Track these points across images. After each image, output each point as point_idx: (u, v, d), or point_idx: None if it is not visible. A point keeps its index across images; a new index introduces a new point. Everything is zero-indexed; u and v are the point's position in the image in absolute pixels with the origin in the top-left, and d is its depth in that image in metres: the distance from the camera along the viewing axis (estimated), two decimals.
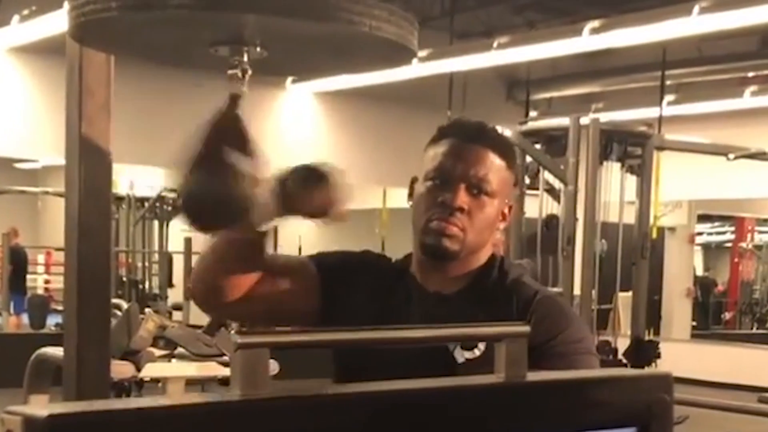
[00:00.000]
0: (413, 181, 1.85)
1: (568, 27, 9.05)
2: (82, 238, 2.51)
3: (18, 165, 15.66)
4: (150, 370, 5.61)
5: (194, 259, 2.60)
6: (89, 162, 2.51)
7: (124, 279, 12.44)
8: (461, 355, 1.72)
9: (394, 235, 12.36)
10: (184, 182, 1.64)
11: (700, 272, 17.24)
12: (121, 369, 5.35)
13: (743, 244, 16.96)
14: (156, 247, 12.99)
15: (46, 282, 15.89)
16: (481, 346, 1.70)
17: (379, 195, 13.82)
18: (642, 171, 7.07)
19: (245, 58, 1.65)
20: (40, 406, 0.78)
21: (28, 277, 14.67)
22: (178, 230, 12.26)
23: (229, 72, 1.66)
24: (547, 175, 7.10)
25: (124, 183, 12.41)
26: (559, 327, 1.74)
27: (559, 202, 6.97)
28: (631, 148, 7.06)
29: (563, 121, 7.07)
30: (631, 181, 7.15)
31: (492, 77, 11.65)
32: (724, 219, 17.34)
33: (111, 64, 2.50)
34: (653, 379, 1.09)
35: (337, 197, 1.64)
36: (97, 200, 2.54)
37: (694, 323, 14.79)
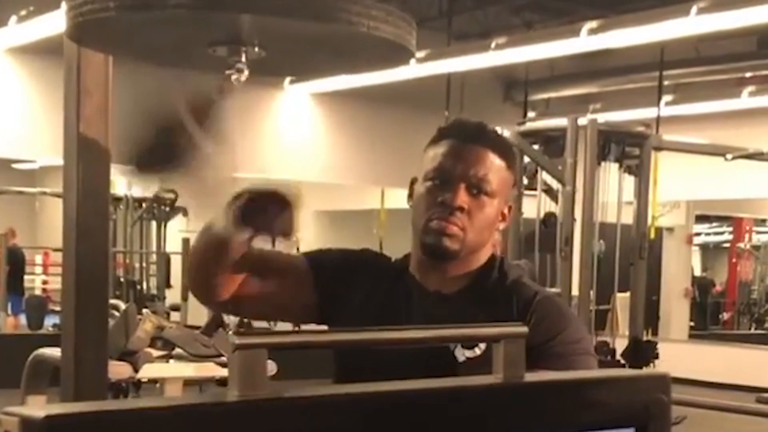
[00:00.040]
0: (413, 181, 1.85)
1: (565, 27, 9.06)
2: (80, 238, 2.50)
3: (15, 165, 15.65)
4: (148, 371, 5.60)
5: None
6: (87, 162, 2.51)
7: (122, 280, 12.41)
8: (462, 354, 1.72)
9: (392, 235, 12.36)
10: (142, 135, 1.67)
11: (698, 273, 17.25)
12: (118, 370, 5.34)
13: (741, 245, 16.97)
14: (154, 248, 12.98)
15: (44, 283, 15.88)
16: (482, 345, 1.71)
17: (377, 195, 13.83)
18: (640, 171, 7.07)
19: (243, 59, 1.65)
20: (38, 407, 0.78)
21: (26, 277, 14.66)
22: (176, 231, 12.26)
23: (227, 72, 1.66)
24: (545, 176, 7.10)
25: (121, 183, 12.39)
26: (558, 328, 1.75)
27: (557, 202, 6.97)
28: (629, 148, 7.06)
29: (561, 121, 7.07)
30: (629, 181, 7.15)
31: (490, 78, 11.65)
32: (722, 219, 17.35)
33: (109, 64, 2.50)
34: (651, 380, 1.09)
35: (295, 222, 1.63)
36: (95, 201, 2.54)
37: (692, 324, 14.79)
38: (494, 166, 1.80)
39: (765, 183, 10.52)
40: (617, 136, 7.06)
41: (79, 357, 2.53)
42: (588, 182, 6.77)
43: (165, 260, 12.58)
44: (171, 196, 12.71)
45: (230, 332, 1.44)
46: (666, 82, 10.14)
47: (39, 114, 9.38)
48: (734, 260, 17.11)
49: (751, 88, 10.68)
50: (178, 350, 5.73)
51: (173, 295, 12.03)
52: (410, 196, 1.86)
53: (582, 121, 6.92)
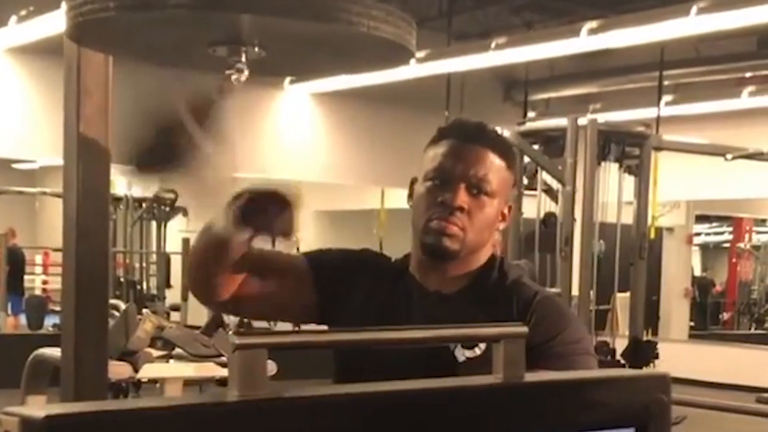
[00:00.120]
0: (413, 181, 1.85)
1: (565, 27, 9.06)
2: (80, 238, 2.50)
3: (16, 165, 15.65)
4: (147, 371, 5.61)
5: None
6: (87, 163, 2.51)
7: (122, 280, 12.42)
8: (462, 354, 1.72)
9: (392, 235, 12.36)
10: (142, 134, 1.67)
11: (698, 273, 17.25)
12: (118, 370, 5.34)
13: (741, 245, 16.97)
14: (154, 248, 12.98)
15: (44, 283, 15.88)
16: (482, 345, 1.71)
17: (376, 195, 13.82)
18: (640, 171, 7.07)
19: (243, 59, 1.65)
20: (38, 407, 0.78)
21: (26, 277, 14.65)
22: (176, 231, 12.26)
23: (227, 72, 1.66)
24: (545, 176, 7.10)
25: (121, 183, 12.40)
26: (558, 328, 1.75)
27: (557, 202, 6.97)
28: (629, 148, 7.06)
29: (561, 121, 7.07)
30: (629, 181, 7.15)
31: (490, 78, 11.65)
32: (722, 219, 17.35)
33: (109, 64, 2.50)
34: (651, 380, 1.09)
35: (295, 223, 1.62)
36: (95, 201, 2.54)
37: (692, 323, 14.79)
38: (494, 166, 1.80)
39: (765, 183, 10.52)
40: (617, 136, 7.06)
41: (79, 357, 2.53)
42: (588, 182, 6.77)
43: (165, 260, 12.58)
44: (171, 196, 12.71)
45: (230, 332, 1.44)
46: (666, 82, 10.14)
47: (39, 114, 9.38)
48: (734, 260, 17.11)
49: (751, 88, 10.68)
50: (178, 350, 5.73)
51: (173, 295, 12.03)
52: (410, 196, 1.86)
53: (582, 121, 6.92)
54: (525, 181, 7.06)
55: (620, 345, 7.01)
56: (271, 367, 1.06)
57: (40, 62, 9.14)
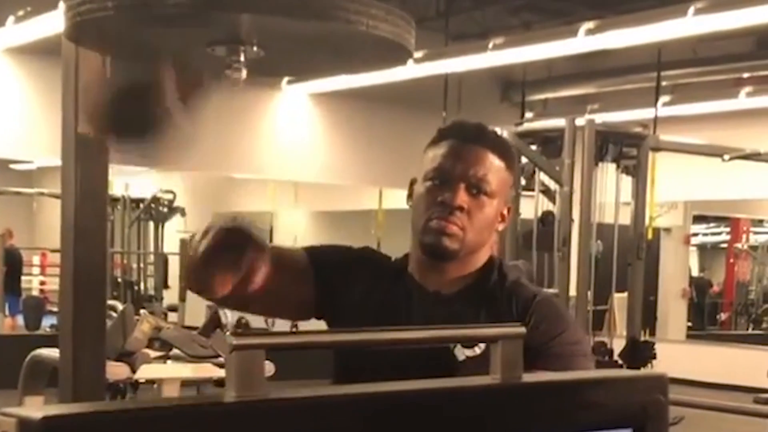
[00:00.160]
0: (412, 182, 1.86)
1: (563, 28, 9.06)
2: (78, 239, 2.50)
3: (13, 166, 15.64)
4: (145, 372, 5.61)
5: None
6: (85, 163, 2.51)
7: (120, 280, 12.42)
8: (462, 354, 1.73)
9: (390, 236, 12.36)
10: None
11: (695, 273, 17.25)
12: (116, 370, 5.34)
13: (738, 245, 16.98)
14: (151, 249, 12.98)
15: (42, 283, 15.87)
16: (482, 344, 1.70)
17: (374, 196, 13.82)
18: (637, 172, 7.08)
19: (242, 58, 1.65)
20: (35, 408, 0.78)
21: (24, 278, 14.64)
22: (174, 231, 12.26)
23: (226, 72, 1.66)
24: (542, 176, 7.10)
25: (119, 184, 12.40)
26: (557, 329, 1.75)
27: (554, 203, 6.97)
28: (626, 149, 7.07)
29: (559, 122, 7.07)
30: (627, 182, 7.15)
31: (487, 78, 11.65)
32: (719, 220, 17.35)
33: (107, 64, 2.50)
34: (649, 380, 1.09)
35: (258, 263, 1.59)
36: (93, 201, 2.54)
37: (690, 324, 14.80)
38: (494, 167, 1.80)
39: (762, 183, 10.53)
40: (615, 136, 7.06)
41: (77, 358, 2.53)
42: (585, 183, 6.77)
43: (162, 261, 12.57)
44: (169, 197, 12.73)
45: (228, 333, 1.43)
46: (663, 83, 10.14)
47: (37, 114, 9.37)
48: (732, 261, 17.12)
49: (748, 89, 10.68)
50: (175, 351, 5.73)
51: (171, 296, 12.03)
52: (410, 196, 1.86)
53: (579, 121, 6.92)
54: (523, 181, 7.07)
55: (618, 345, 7.01)
56: (269, 367, 1.06)
57: (37, 62, 9.14)
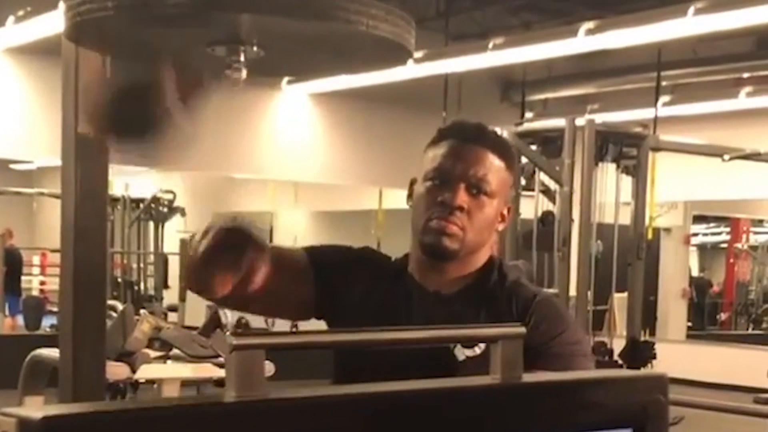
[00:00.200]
0: (412, 182, 1.86)
1: (563, 28, 9.06)
2: (78, 239, 2.50)
3: (13, 166, 15.64)
4: (145, 372, 5.61)
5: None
6: (85, 163, 2.51)
7: (120, 280, 12.42)
8: (462, 353, 1.73)
9: (390, 236, 12.36)
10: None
11: (695, 273, 17.26)
12: (116, 370, 5.34)
13: (738, 245, 16.98)
14: (151, 249, 12.98)
15: (42, 283, 15.87)
16: (482, 344, 1.70)
17: (374, 196, 13.83)
18: (637, 172, 7.08)
19: (242, 58, 1.65)
20: (35, 408, 0.78)
21: (24, 278, 14.64)
22: (173, 231, 12.26)
23: (226, 72, 1.66)
24: (542, 176, 7.10)
25: (119, 184, 12.40)
26: (557, 329, 1.75)
27: (554, 203, 6.97)
28: (626, 149, 7.06)
29: (559, 122, 7.07)
30: (627, 182, 7.15)
31: (487, 78, 11.65)
32: (719, 220, 17.35)
33: (107, 64, 2.50)
34: (649, 380, 1.09)
35: (258, 263, 1.58)
36: (93, 201, 2.54)
37: (690, 324, 14.80)
38: (494, 167, 1.80)
39: (762, 183, 10.53)
40: (615, 136, 7.06)
41: (77, 358, 2.53)
42: (585, 183, 6.77)
43: (162, 261, 12.57)
44: (169, 197, 12.73)
45: (228, 333, 1.43)
46: (663, 83, 10.14)
47: (37, 114, 9.38)
48: (732, 261, 17.12)
49: (748, 89, 10.68)
50: (175, 351, 5.73)
51: (171, 296, 12.03)
52: (410, 196, 1.86)
53: (579, 121, 6.92)
54: (523, 181, 7.07)
55: (618, 345, 7.01)
56: (269, 367, 1.06)
57: (38, 62, 9.14)
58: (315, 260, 1.87)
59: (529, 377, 1.04)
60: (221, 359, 5.54)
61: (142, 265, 13.04)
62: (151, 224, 12.93)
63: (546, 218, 6.91)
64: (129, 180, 12.60)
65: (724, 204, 14.33)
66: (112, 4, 1.53)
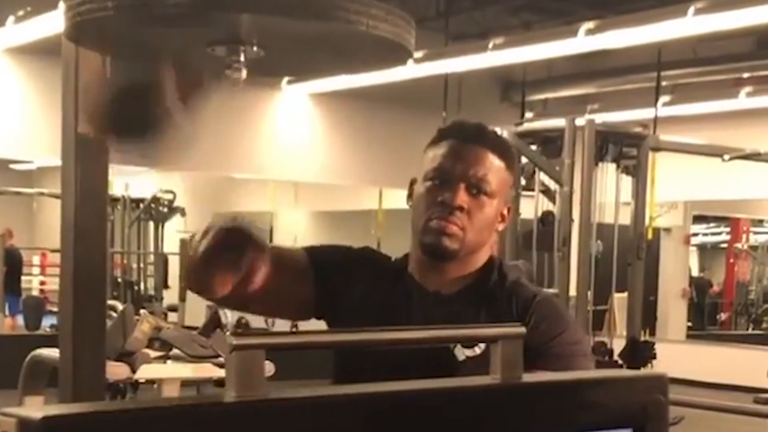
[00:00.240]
0: (412, 182, 1.86)
1: (563, 28, 9.06)
2: (78, 239, 2.50)
3: (13, 166, 15.64)
4: (145, 372, 5.60)
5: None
6: (85, 163, 2.51)
7: (120, 280, 12.42)
8: (462, 353, 1.72)
9: (389, 236, 12.36)
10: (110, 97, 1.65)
11: (695, 273, 17.26)
12: (116, 370, 5.34)
13: (738, 245, 16.98)
14: (151, 249, 12.98)
15: (42, 283, 15.87)
16: (482, 344, 1.70)
17: (374, 196, 13.83)
18: (637, 172, 7.08)
19: (242, 58, 1.65)
20: (35, 408, 0.78)
21: (24, 278, 14.64)
22: (173, 231, 12.26)
23: (226, 72, 1.66)
24: (542, 176, 7.10)
25: (119, 184, 12.41)
26: (557, 329, 1.75)
27: (554, 203, 6.97)
28: (626, 149, 7.06)
29: (559, 122, 7.07)
30: (627, 182, 7.15)
31: (487, 78, 11.65)
32: (719, 220, 17.35)
33: (107, 64, 2.50)
34: (649, 380, 1.09)
35: (258, 263, 1.58)
36: (93, 201, 2.54)
37: (690, 324, 14.80)
38: (494, 167, 1.80)
39: (762, 183, 10.53)
40: (615, 136, 7.06)
41: (77, 358, 2.53)
42: (585, 183, 6.77)
43: (162, 261, 12.58)
44: (169, 197, 12.73)
45: (228, 333, 1.42)
46: (663, 83, 10.14)
47: (37, 114, 9.38)
48: (732, 261, 17.12)
49: (748, 89, 10.68)
50: (175, 351, 5.73)
51: (171, 296, 12.03)
52: (410, 196, 1.86)
53: (579, 121, 6.92)
54: (523, 181, 7.07)
55: (618, 345, 7.01)
56: (269, 367, 1.06)
57: (38, 62, 9.14)
58: (315, 260, 1.87)
59: (528, 377, 1.04)
60: (221, 359, 5.54)
61: (142, 265, 13.04)
62: (151, 224, 12.93)
63: (546, 218, 6.91)
64: (129, 180, 12.61)
65: (724, 204, 14.33)
66: (112, 4, 1.53)
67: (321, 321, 1.90)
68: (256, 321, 5.24)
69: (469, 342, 1.69)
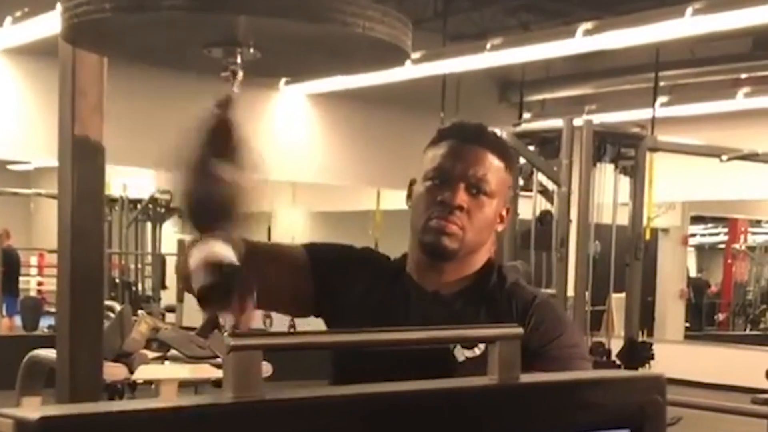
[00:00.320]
0: (412, 182, 1.86)
1: (561, 28, 9.06)
2: (75, 240, 2.50)
3: (10, 167, 15.64)
4: (143, 372, 5.59)
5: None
6: (82, 163, 2.51)
7: (117, 281, 12.42)
8: (462, 354, 1.72)
9: (387, 236, 12.36)
10: (181, 185, 1.63)
11: (693, 273, 17.29)
12: (113, 371, 5.33)
13: (736, 246, 17.00)
14: (149, 249, 12.97)
15: (39, 284, 15.86)
16: (482, 345, 1.70)
17: (372, 197, 13.83)
18: (635, 172, 7.08)
19: (239, 60, 1.65)
20: (32, 409, 0.78)
21: (21, 279, 14.64)
22: (171, 232, 12.25)
23: (222, 74, 1.65)
24: (540, 177, 7.10)
25: (116, 184, 12.40)
26: (556, 332, 1.76)
27: (552, 203, 6.97)
28: (624, 149, 7.07)
29: (557, 122, 7.08)
30: (625, 182, 7.16)
31: (485, 79, 11.65)
32: (717, 220, 17.38)
33: (104, 65, 2.50)
34: (646, 381, 1.09)
35: (246, 300, 1.54)
36: (90, 202, 2.54)
37: (688, 324, 14.83)
38: (493, 167, 1.80)
39: (760, 184, 10.54)
40: (613, 137, 7.07)
41: (75, 358, 2.53)
42: (583, 183, 6.77)
43: (160, 261, 12.57)
44: (167, 197, 12.71)
45: (225, 334, 1.42)
46: (661, 83, 10.15)
47: (34, 115, 9.37)
48: (729, 261, 17.14)
49: (746, 89, 10.69)
50: (173, 352, 5.72)
51: (168, 297, 12.02)
52: (409, 196, 1.86)
53: (577, 122, 6.93)
54: (521, 182, 7.07)
55: (616, 346, 7.01)
56: (267, 368, 1.06)
57: (35, 63, 9.14)
58: (313, 257, 1.88)
59: (526, 378, 1.04)
60: (219, 360, 5.55)
61: (139, 265, 13.03)
62: (149, 225, 12.93)
63: (544, 218, 6.92)
64: (127, 180, 12.60)
65: (721, 204, 14.35)
66: (109, 5, 1.53)
67: (319, 320, 1.91)
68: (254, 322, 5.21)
69: (469, 343, 1.69)
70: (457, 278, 1.83)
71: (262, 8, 1.53)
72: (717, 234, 17.97)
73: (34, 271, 16.12)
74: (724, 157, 7.83)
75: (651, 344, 7.11)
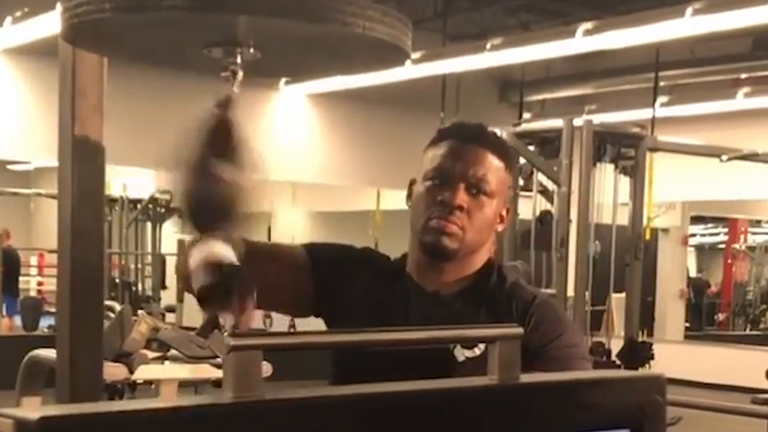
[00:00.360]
0: (412, 182, 1.86)
1: (561, 28, 9.06)
2: (75, 240, 2.50)
3: (10, 167, 15.64)
4: (143, 372, 5.59)
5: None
6: (82, 164, 2.50)
7: (117, 281, 12.42)
8: (462, 354, 1.72)
9: (387, 236, 12.36)
10: (181, 185, 1.63)
11: (693, 273, 17.29)
12: (113, 371, 5.33)
13: (736, 246, 17.00)
14: (149, 249, 12.97)
15: (39, 284, 15.87)
16: (482, 345, 1.70)
17: (372, 197, 13.83)
18: (635, 172, 7.08)
19: (239, 60, 1.65)
20: (32, 409, 0.78)
21: (21, 279, 14.64)
22: (171, 232, 12.25)
23: (222, 74, 1.65)
24: (540, 177, 7.10)
25: (116, 184, 12.40)
26: (556, 332, 1.76)
27: (552, 203, 6.97)
28: (624, 149, 7.07)
29: (557, 122, 7.08)
30: (625, 182, 7.16)
31: (485, 79, 11.65)
32: (717, 220, 17.38)
33: (104, 65, 2.50)
34: (646, 381, 1.09)
35: (246, 300, 1.55)
36: (90, 202, 2.54)
37: (688, 324, 14.83)
38: (493, 167, 1.81)
39: (760, 184, 10.54)
40: (613, 137, 7.07)
41: (75, 358, 2.53)
42: (583, 183, 6.77)
43: (160, 261, 12.57)
44: (167, 197, 12.71)
45: (225, 334, 1.42)
46: (661, 83, 10.15)
47: (34, 115, 9.37)
48: (729, 261, 17.14)
49: (746, 89, 10.69)
50: (173, 352, 5.72)
51: (168, 297, 12.02)
52: (409, 196, 1.86)
53: (577, 122, 6.93)
54: (521, 182, 7.07)
55: (616, 346, 7.01)
56: (267, 368, 1.06)
57: (35, 63, 9.14)
58: (313, 257, 1.88)
59: (526, 378, 1.04)
60: (219, 360, 5.54)
61: (139, 265, 13.03)
62: (149, 225, 12.93)
63: (544, 218, 6.92)
64: (127, 180, 12.60)
65: (721, 204, 14.35)
66: (109, 5, 1.53)
67: (319, 320, 1.91)
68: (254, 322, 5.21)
69: (469, 343, 1.69)
70: (457, 278, 1.83)
71: (262, 8, 1.53)
72: (717, 234, 17.97)
73: (34, 271, 16.12)
74: (724, 157, 7.83)
75: (651, 344, 7.11)
